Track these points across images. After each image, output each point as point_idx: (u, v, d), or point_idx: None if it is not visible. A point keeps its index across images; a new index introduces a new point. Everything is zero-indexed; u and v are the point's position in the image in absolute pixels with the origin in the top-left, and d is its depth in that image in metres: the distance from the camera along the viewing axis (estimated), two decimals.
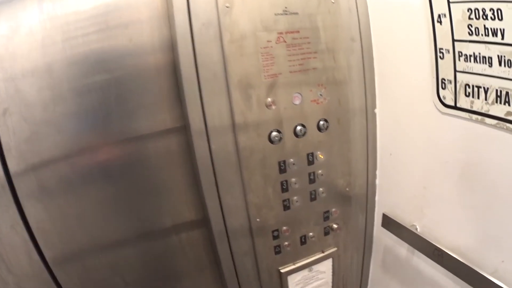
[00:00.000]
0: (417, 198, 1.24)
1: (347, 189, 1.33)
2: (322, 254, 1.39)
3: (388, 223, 1.33)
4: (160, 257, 1.27)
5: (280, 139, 1.18)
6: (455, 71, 0.97)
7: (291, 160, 1.21)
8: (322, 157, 1.25)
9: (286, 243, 1.31)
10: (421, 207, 1.24)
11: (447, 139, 1.08)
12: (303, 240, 1.34)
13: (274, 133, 1.16)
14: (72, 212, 1.10)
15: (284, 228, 1.28)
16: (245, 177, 1.17)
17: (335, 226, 1.35)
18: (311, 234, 1.33)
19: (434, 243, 1.14)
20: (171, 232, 1.24)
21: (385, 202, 1.41)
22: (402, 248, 1.35)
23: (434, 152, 1.13)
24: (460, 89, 0.98)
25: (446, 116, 1.05)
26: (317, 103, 1.20)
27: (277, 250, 1.31)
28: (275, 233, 1.28)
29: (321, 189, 1.29)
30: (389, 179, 1.36)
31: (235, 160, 1.15)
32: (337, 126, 1.25)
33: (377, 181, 1.40)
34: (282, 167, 1.21)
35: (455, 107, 1.01)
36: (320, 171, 1.27)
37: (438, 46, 1.02)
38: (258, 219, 1.24)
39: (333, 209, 1.34)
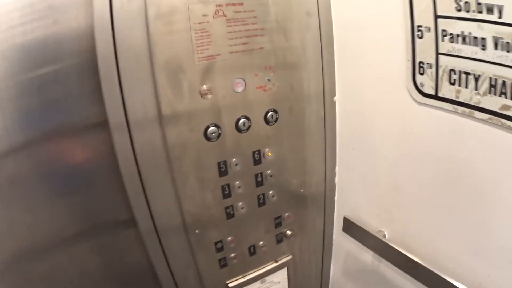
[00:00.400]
0: (385, 200, 1.04)
1: (301, 190, 1.12)
2: (275, 264, 1.17)
3: (350, 227, 1.13)
4: (94, 261, 1.03)
5: (219, 135, 0.93)
6: (437, 53, 0.76)
7: (233, 160, 0.97)
8: (270, 154, 1.02)
9: (233, 254, 1.08)
10: (390, 210, 1.04)
11: (424, 134, 0.88)
12: (252, 250, 1.11)
13: (211, 128, 0.91)
14: None
15: (229, 238, 1.05)
16: (178, 182, 0.93)
17: (289, 232, 1.14)
18: (261, 243, 1.11)
19: (405, 253, 0.94)
20: (102, 235, 1.00)
21: (346, 204, 1.20)
22: (367, 255, 1.15)
23: (408, 148, 0.93)
24: (443, 75, 0.77)
25: (424, 107, 0.85)
26: (264, 90, 0.96)
27: (223, 263, 1.09)
28: (219, 245, 1.05)
29: (271, 192, 1.06)
30: (351, 178, 1.15)
31: (164, 161, 0.90)
32: (289, 117, 1.02)
33: (337, 179, 1.19)
34: (223, 169, 0.97)
35: (435, 97, 0.81)
36: (269, 172, 1.04)
37: (416, 23, 0.80)
38: (197, 231, 1.00)
39: (286, 214, 1.12)
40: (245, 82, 0.93)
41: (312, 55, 1.02)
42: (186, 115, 0.88)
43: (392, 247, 0.97)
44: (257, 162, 1.01)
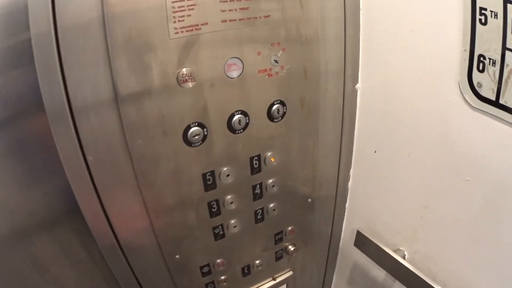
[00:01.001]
0: (411, 216, 0.77)
1: (309, 200, 0.84)
2: (273, 282, 0.92)
3: (364, 243, 0.87)
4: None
5: (204, 137, 0.63)
6: (505, 47, 0.50)
7: (224, 169, 0.68)
8: (274, 160, 0.72)
9: (223, 277, 0.82)
10: (415, 229, 0.78)
11: (474, 147, 0.61)
12: (246, 271, 0.85)
13: (194, 129, 0.61)
14: None
15: (218, 261, 0.78)
16: (148, 199, 0.64)
17: (291, 248, 0.87)
18: (257, 262, 0.85)
19: (427, 280, 0.70)
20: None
21: (359, 213, 0.93)
22: (379, 273, 0.91)
23: (450, 160, 0.65)
24: (509, 76, 0.51)
25: (479, 114, 0.57)
26: (269, 75, 0.65)
27: (211, 287, 0.84)
28: (205, 269, 0.78)
29: (271, 205, 0.78)
30: (368, 184, 0.87)
31: (127, 173, 0.60)
32: (300, 111, 0.72)
33: (350, 184, 0.91)
34: (209, 181, 0.68)
35: (496, 103, 0.54)
36: (270, 181, 0.75)
37: (479, 4, 0.52)
38: (177, 256, 0.73)
39: (289, 228, 0.85)
40: (242, 63, 0.61)
41: (332, 30, 0.70)
42: (157, 111, 0.58)
43: (412, 270, 0.74)
44: (255, 170, 0.72)
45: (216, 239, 0.75)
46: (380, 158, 0.82)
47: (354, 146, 0.85)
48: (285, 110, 0.69)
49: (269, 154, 0.72)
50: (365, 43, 0.75)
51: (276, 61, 0.65)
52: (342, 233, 1.00)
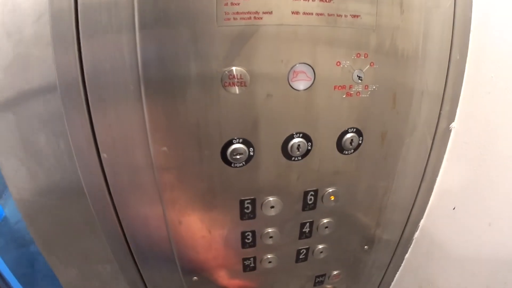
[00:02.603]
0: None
1: (365, 247, 0.59)
2: None
3: None
4: None
5: (250, 158, 0.42)
6: None
7: (270, 199, 0.46)
8: (334, 199, 0.49)
9: None
10: None
11: None
12: None
13: (237, 146, 0.41)
14: None
15: None
16: (169, 215, 0.45)
17: None
18: None
19: None
20: None
21: (417, 271, 0.64)
22: None
23: None
24: None
25: None
26: (348, 95, 0.41)
27: None
28: None
29: (319, 247, 0.54)
30: (437, 244, 0.58)
31: (150, 185, 0.43)
32: (378, 147, 0.47)
33: (417, 235, 0.61)
34: (248, 210, 0.46)
35: None
36: (324, 222, 0.51)
37: None
38: (195, 278, 0.54)
39: (334, 272, 0.60)
40: (314, 73, 0.39)
41: (435, 50, 0.43)
42: (191, 116, 0.39)
43: None
44: (308, 206, 0.48)
45: (244, 270, 0.54)
46: (457, 217, 0.54)
47: (432, 196, 0.59)
48: (360, 142, 0.45)
49: (330, 191, 0.48)
50: (470, 73, 0.48)
51: (359, 78, 0.41)
52: (392, 285, 0.74)
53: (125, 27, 0.35)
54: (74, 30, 0.35)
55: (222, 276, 0.55)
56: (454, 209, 0.55)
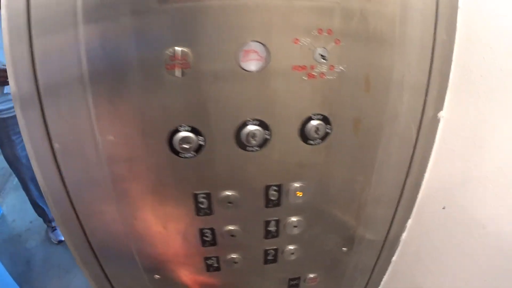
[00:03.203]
0: None
1: (344, 249, 0.54)
2: None
3: None
4: None
5: (199, 147, 0.39)
6: None
7: (226, 193, 0.43)
8: (301, 195, 0.45)
9: None
10: None
11: None
12: None
13: (184, 135, 0.37)
14: None
15: None
16: (123, 208, 0.42)
17: None
18: None
19: None
20: None
21: (405, 275, 0.60)
22: None
23: None
24: None
25: None
26: (310, 76, 0.37)
27: None
28: None
29: (290, 247, 0.51)
30: (426, 247, 0.53)
31: (101, 176, 0.40)
32: (351, 136, 0.43)
33: (404, 236, 0.57)
34: (203, 205, 0.43)
35: None
36: (292, 220, 0.47)
37: None
38: (156, 276, 0.51)
39: (310, 276, 0.56)
40: (267, 52, 0.35)
41: (416, 30, 0.39)
42: (133, 102, 0.36)
43: None
44: (272, 203, 0.45)
45: (208, 270, 0.51)
46: (447, 218, 0.49)
47: (419, 193, 0.53)
48: (328, 130, 0.41)
49: (296, 186, 0.44)
50: (459, 56, 0.43)
51: (323, 57, 0.37)
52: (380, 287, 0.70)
53: (67, 12, 0.33)
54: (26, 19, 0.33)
55: (185, 276, 0.52)
56: (444, 208, 0.51)
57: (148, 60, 0.35)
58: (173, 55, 0.35)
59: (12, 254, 1.67)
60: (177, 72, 0.35)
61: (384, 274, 0.65)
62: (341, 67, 0.38)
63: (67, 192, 0.44)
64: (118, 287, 0.53)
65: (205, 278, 0.52)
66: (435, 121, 0.48)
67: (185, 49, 0.35)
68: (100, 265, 0.51)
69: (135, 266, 0.51)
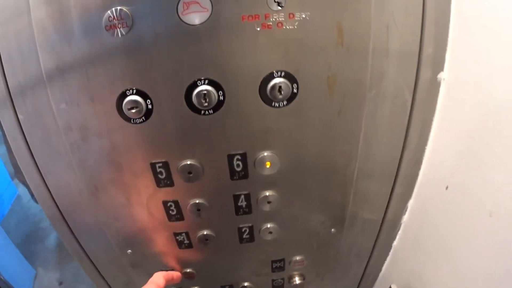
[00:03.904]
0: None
1: (332, 230, 0.50)
2: None
3: None
4: None
5: (148, 112, 0.37)
6: None
7: (186, 163, 0.40)
8: (270, 165, 0.41)
9: None
10: None
11: None
12: None
13: (130, 98, 0.35)
14: None
15: (187, 270, 0.53)
16: (84, 178, 0.42)
17: (296, 280, 0.56)
18: (246, 284, 0.56)
19: None
20: None
21: (407, 260, 0.53)
22: None
23: None
24: None
25: None
26: (265, 26, 0.33)
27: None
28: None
29: (266, 226, 0.48)
30: (428, 231, 0.47)
31: (61, 146, 0.39)
32: (325, 97, 0.38)
33: (405, 219, 0.52)
34: (162, 175, 0.41)
35: None
36: (264, 194, 0.44)
37: None
38: (129, 251, 0.50)
39: (296, 258, 0.53)
40: (210, 1, 0.32)
41: None
42: (78, 68, 0.34)
43: None
44: (237, 174, 0.42)
45: (180, 247, 0.50)
46: (450, 200, 0.43)
47: (421, 170, 0.47)
48: (294, 90, 0.37)
49: (263, 155, 0.41)
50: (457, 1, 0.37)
51: (279, 4, 0.33)
52: (381, 274, 0.65)
53: None
54: None
55: (157, 252, 0.51)
56: (447, 188, 0.45)
57: (87, 22, 0.33)
58: (112, 16, 0.33)
59: (27, 234, 1.78)
60: (117, 32, 0.34)
61: (384, 260, 0.61)
62: (303, 15, 0.34)
63: (36, 163, 0.45)
64: (94, 260, 0.54)
65: (178, 255, 0.52)
66: (435, 84, 0.43)
67: (123, 8, 0.33)
68: (75, 238, 0.52)
69: (106, 240, 0.51)
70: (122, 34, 0.34)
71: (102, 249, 0.52)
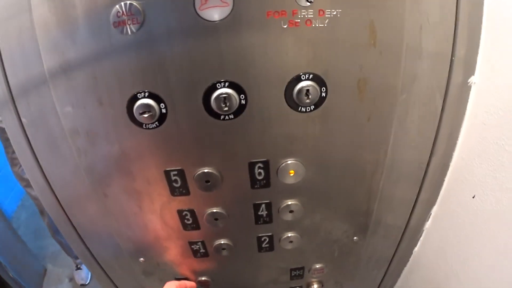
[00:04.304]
0: None
1: (355, 238, 0.47)
2: None
3: None
4: None
5: (162, 117, 0.33)
6: None
7: (204, 171, 0.37)
8: (293, 174, 0.38)
9: None
10: None
11: None
12: None
13: (142, 102, 0.32)
14: None
15: (202, 279, 0.50)
16: (92, 183, 0.38)
17: (315, 286, 0.55)
18: None
19: None
20: None
21: (428, 268, 0.49)
22: None
23: None
24: None
25: None
26: (292, 24, 0.29)
27: None
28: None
29: (287, 235, 0.44)
30: (451, 240, 0.43)
31: (66, 150, 0.36)
32: (355, 101, 0.34)
33: (428, 225, 0.48)
34: (177, 184, 0.38)
35: None
36: (287, 204, 0.40)
37: None
38: (141, 259, 0.47)
39: (316, 266, 0.50)
40: None
41: None
42: (85, 69, 0.31)
43: None
44: (258, 183, 0.38)
45: (195, 256, 0.47)
46: (477, 210, 0.39)
47: (446, 177, 0.43)
48: (323, 94, 0.33)
49: (286, 163, 0.37)
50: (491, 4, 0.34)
51: None
52: (399, 281, 0.61)
53: None
54: None
55: (171, 260, 0.48)
56: (474, 197, 0.41)
57: (93, 18, 0.30)
58: (121, 11, 0.29)
59: (36, 229, 1.76)
60: (126, 29, 0.30)
61: (404, 266, 0.57)
62: (334, 12, 0.30)
63: (40, 166, 0.41)
64: (104, 266, 0.52)
65: (193, 263, 0.49)
66: (466, 88, 0.39)
67: (133, 2, 0.29)
68: (84, 244, 0.49)
69: (117, 248, 0.48)
70: (132, 31, 0.30)
71: (113, 256, 0.49)
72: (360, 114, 0.36)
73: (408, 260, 0.55)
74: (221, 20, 0.29)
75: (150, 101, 0.32)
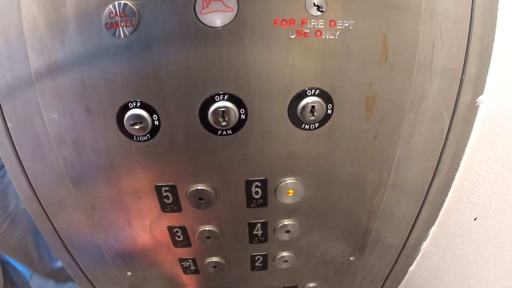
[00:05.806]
0: None
1: (351, 258, 0.42)
2: None
3: None
4: None
5: (155, 129, 0.28)
6: None
7: (197, 187, 0.32)
8: (292, 193, 0.33)
9: None
10: None
11: None
12: None
13: (133, 112, 0.27)
14: None
15: None
16: (79, 194, 0.33)
17: None
18: None
19: None
20: None
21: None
22: None
23: None
24: None
25: None
26: (301, 34, 0.25)
27: None
28: None
29: (282, 254, 0.39)
30: (450, 261, 0.39)
31: (53, 158, 0.31)
32: (361, 120, 0.30)
33: (425, 245, 0.43)
34: (169, 200, 0.32)
35: None
36: (283, 224, 0.35)
37: None
38: (129, 273, 0.42)
39: (310, 285, 0.45)
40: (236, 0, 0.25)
41: None
42: (72, 73, 0.26)
43: None
44: (255, 202, 0.33)
45: (185, 273, 0.41)
46: (479, 233, 0.35)
47: (447, 197, 0.40)
48: (329, 111, 0.29)
49: (285, 182, 0.33)
50: (505, 17, 0.29)
51: (319, 8, 0.25)
52: None
53: None
54: None
55: (160, 275, 0.43)
56: (475, 219, 0.38)
57: (84, 19, 0.25)
58: (114, 12, 0.24)
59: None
60: (119, 32, 0.25)
61: (398, 285, 0.53)
62: (346, 23, 0.26)
63: (25, 173, 0.36)
64: (91, 278, 0.46)
65: (183, 280, 0.44)
66: (473, 108, 0.35)
67: (128, 3, 0.25)
68: (70, 254, 0.43)
69: (104, 260, 0.42)
70: (125, 35, 0.25)
71: (100, 268, 0.43)
72: (366, 133, 0.32)
73: (402, 279, 0.51)
74: (223, 26, 0.25)
75: (142, 112, 0.27)
